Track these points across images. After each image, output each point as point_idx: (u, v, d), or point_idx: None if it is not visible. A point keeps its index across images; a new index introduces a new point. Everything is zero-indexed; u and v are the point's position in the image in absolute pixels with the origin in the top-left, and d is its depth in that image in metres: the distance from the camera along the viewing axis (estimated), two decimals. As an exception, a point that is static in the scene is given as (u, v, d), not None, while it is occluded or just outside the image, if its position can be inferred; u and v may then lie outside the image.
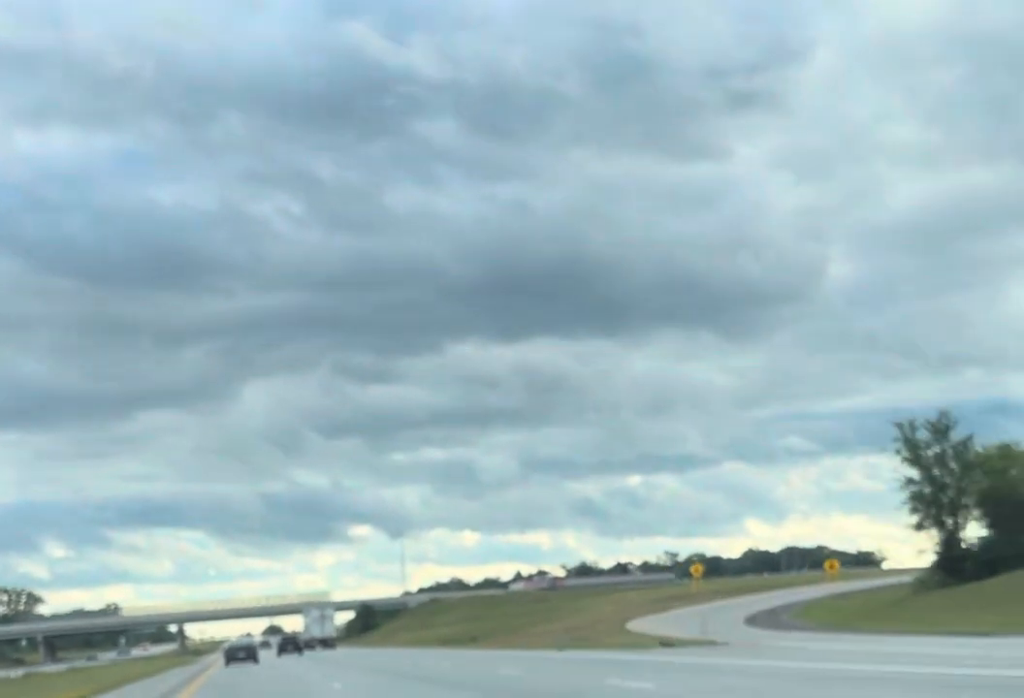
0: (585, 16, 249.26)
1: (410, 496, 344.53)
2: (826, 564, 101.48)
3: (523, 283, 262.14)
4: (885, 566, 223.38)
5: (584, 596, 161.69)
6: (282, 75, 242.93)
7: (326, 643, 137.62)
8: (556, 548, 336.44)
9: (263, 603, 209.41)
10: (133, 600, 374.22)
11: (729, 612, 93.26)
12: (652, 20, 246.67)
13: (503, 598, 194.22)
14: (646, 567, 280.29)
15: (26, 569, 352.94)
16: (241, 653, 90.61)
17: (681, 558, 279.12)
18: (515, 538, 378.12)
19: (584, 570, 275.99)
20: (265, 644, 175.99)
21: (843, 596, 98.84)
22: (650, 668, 38.49)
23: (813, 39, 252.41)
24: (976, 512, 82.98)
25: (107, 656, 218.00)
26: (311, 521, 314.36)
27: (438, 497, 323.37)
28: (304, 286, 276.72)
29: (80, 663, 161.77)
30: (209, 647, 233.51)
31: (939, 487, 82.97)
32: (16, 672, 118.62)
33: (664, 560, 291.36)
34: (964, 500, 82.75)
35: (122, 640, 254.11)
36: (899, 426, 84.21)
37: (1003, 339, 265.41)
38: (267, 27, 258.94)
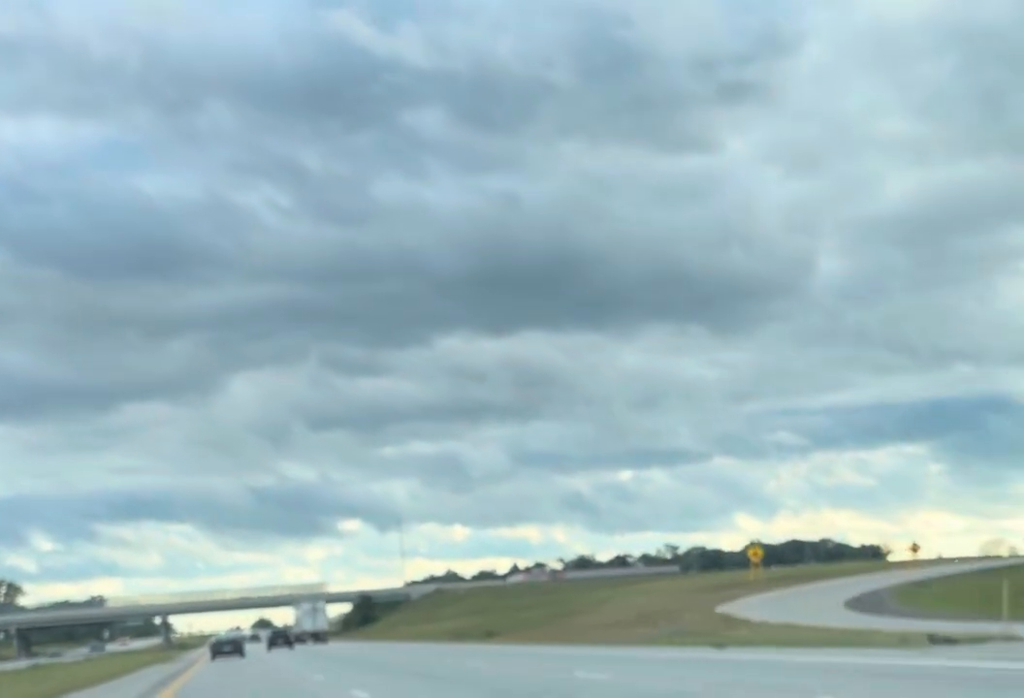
0: (574, 5, 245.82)
1: (399, 490, 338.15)
2: (910, 546, 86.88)
3: (512, 276, 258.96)
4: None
5: (595, 588, 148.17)
6: (268, 63, 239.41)
7: (318, 637, 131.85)
8: (546, 542, 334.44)
9: (253, 595, 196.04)
10: (121, 594, 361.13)
11: (815, 599, 78.81)
12: (642, 10, 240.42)
13: (511, 590, 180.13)
14: (647, 560, 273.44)
15: (12, 562, 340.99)
16: (227, 647, 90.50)
17: (678, 552, 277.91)
18: (505, 532, 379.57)
19: (582, 563, 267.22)
20: (255, 638, 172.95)
21: (922, 583, 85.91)
22: None
23: (804, 31, 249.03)
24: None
25: (82, 651, 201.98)
26: (300, 515, 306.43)
27: (427, 491, 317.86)
28: (291, 278, 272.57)
29: (44, 660, 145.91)
30: (197, 641, 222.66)
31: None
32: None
33: (664, 553, 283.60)
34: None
35: (105, 634, 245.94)
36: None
37: (994, 334, 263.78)
38: (253, 14, 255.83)
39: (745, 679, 27.91)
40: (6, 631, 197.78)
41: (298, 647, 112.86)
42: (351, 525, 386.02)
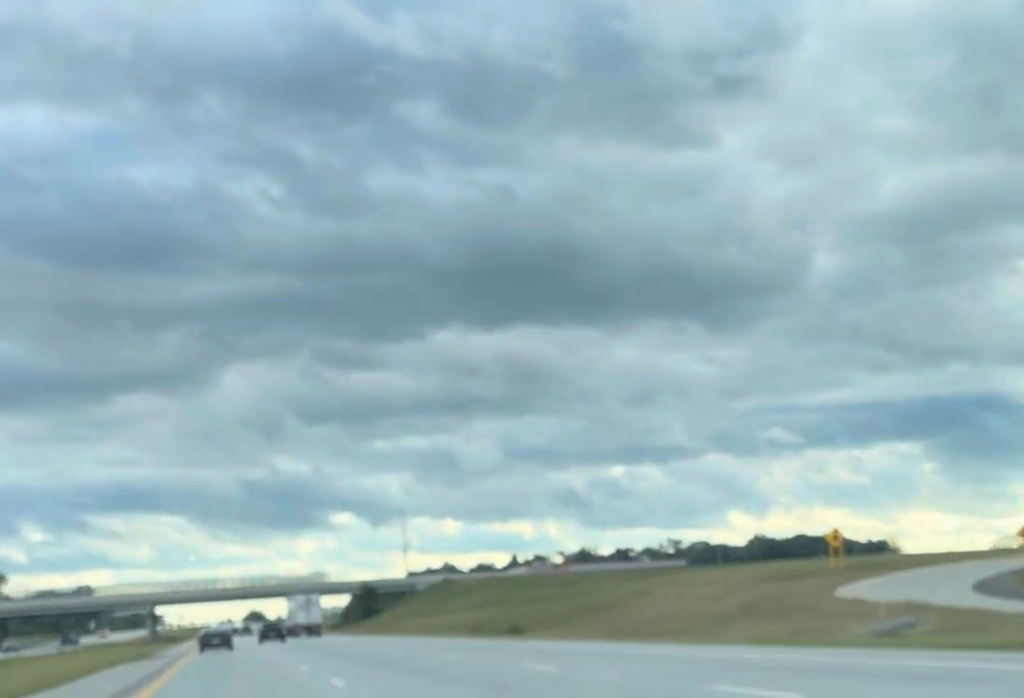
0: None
1: (392, 484, 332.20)
2: (1020, 530, 72.48)
3: (506, 270, 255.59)
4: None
5: (609, 581, 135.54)
6: (261, 52, 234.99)
7: (311, 630, 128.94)
8: (539, 537, 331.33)
9: (247, 585, 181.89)
10: (111, 585, 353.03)
11: (939, 584, 65.52)
12: (638, 1, 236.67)
13: (525, 581, 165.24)
14: (650, 554, 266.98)
15: (2, 553, 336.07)
16: (215, 640, 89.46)
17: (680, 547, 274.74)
18: (498, 527, 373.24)
19: (584, 557, 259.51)
20: (246, 630, 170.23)
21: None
22: None
23: (801, 24, 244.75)
24: None
25: (54, 644, 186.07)
26: (293, 508, 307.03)
27: (420, 485, 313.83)
28: (284, 269, 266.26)
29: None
30: (187, 634, 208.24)
31: None
32: None
33: (666, 548, 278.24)
34: None
35: (91, 625, 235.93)
36: None
37: (989, 333, 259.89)
38: (246, 2, 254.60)
39: None
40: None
41: (291, 641, 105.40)
42: (343, 519, 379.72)
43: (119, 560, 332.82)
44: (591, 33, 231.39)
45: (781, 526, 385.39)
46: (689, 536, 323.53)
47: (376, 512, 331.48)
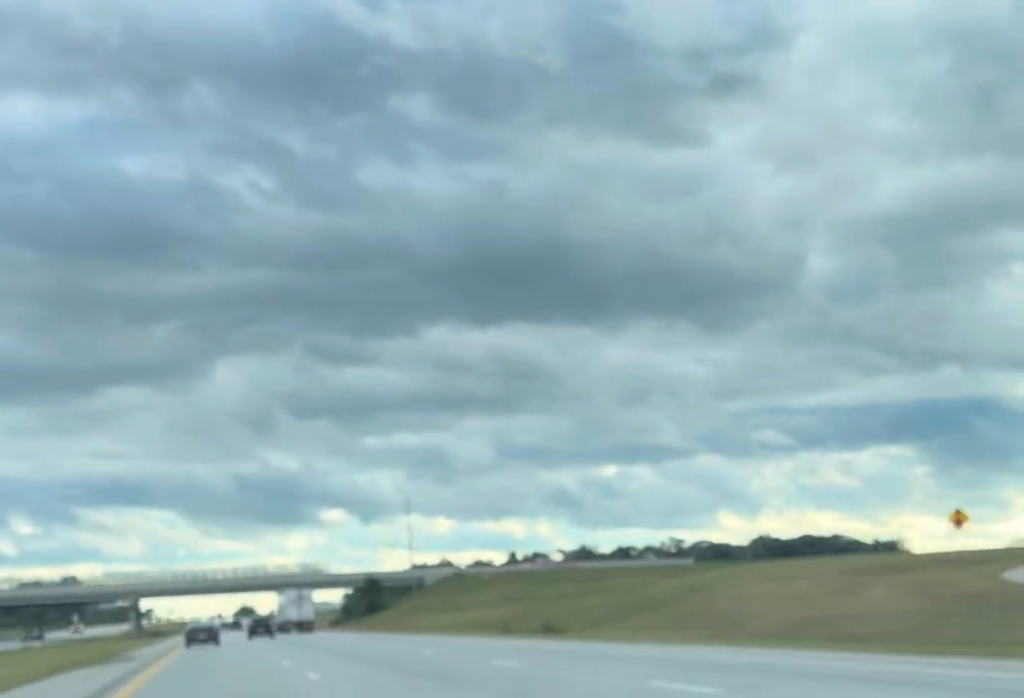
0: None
1: (383, 480, 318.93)
2: None
3: (499, 266, 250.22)
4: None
5: (640, 576, 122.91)
6: (254, 42, 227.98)
7: (302, 626, 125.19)
8: (530, 536, 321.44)
9: (240, 577, 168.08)
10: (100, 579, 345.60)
11: None
12: None
13: (544, 576, 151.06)
14: (656, 553, 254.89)
15: None
16: (202, 635, 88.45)
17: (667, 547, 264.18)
18: (489, 526, 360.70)
19: (584, 554, 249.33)
20: (236, 625, 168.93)
21: None
22: None
23: (798, 23, 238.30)
24: None
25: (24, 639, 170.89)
26: (283, 504, 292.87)
27: (412, 482, 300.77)
28: (275, 263, 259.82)
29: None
30: (175, 628, 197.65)
31: None
32: None
33: (668, 546, 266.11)
34: None
35: (74, 618, 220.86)
36: None
37: (982, 336, 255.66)
38: None
39: None
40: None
41: (292, 640, 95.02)
42: (334, 515, 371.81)
43: (108, 554, 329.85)
44: (587, 27, 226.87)
45: (772, 528, 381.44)
46: (681, 537, 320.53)
47: (368, 509, 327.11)
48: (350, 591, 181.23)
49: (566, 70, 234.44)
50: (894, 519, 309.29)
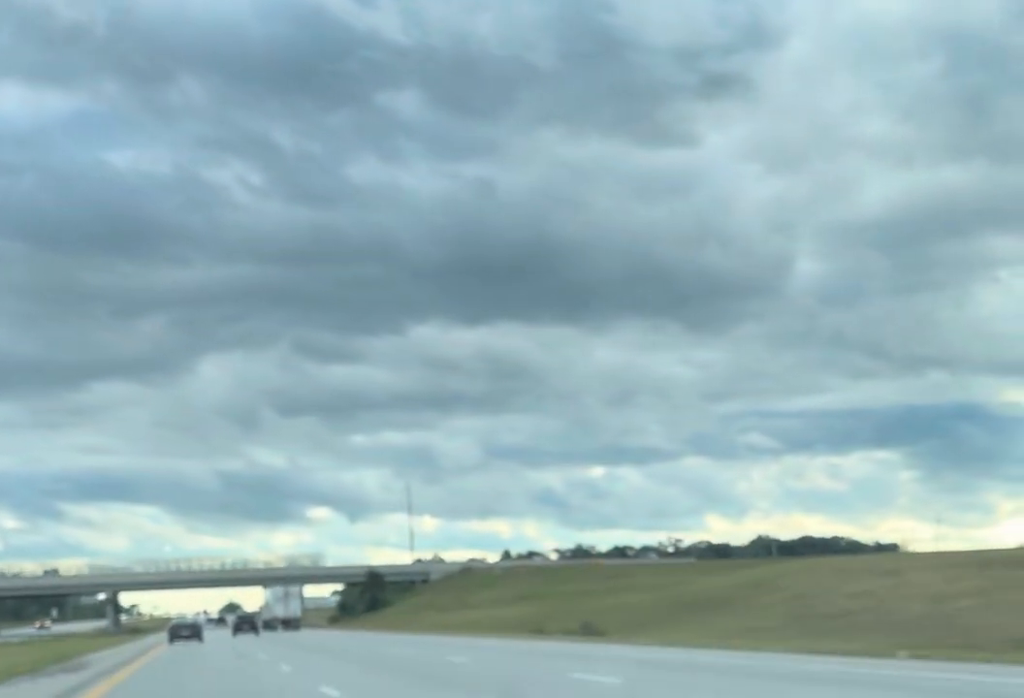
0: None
1: (370, 479, 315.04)
2: None
3: (487, 265, 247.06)
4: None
5: (666, 574, 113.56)
6: (241, 36, 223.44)
7: (288, 624, 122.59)
8: (516, 536, 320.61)
9: (226, 570, 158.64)
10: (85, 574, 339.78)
11: None
12: None
13: (561, 572, 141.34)
14: (651, 552, 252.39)
15: None
16: (185, 632, 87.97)
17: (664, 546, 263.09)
18: (475, 525, 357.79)
19: (580, 553, 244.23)
20: (221, 621, 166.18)
21: None
22: None
23: (788, 24, 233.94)
24: None
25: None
26: (269, 501, 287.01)
27: (398, 481, 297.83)
28: (262, 258, 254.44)
29: None
30: (157, 624, 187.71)
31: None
32: None
33: (666, 546, 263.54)
34: None
35: (53, 613, 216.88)
36: None
37: (970, 342, 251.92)
38: None
39: None
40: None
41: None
42: (320, 513, 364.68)
43: (93, 549, 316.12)
44: (578, 25, 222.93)
45: (759, 530, 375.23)
46: (675, 537, 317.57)
47: (355, 507, 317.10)
48: (343, 587, 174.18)
49: (556, 68, 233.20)
50: (880, 523, 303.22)
